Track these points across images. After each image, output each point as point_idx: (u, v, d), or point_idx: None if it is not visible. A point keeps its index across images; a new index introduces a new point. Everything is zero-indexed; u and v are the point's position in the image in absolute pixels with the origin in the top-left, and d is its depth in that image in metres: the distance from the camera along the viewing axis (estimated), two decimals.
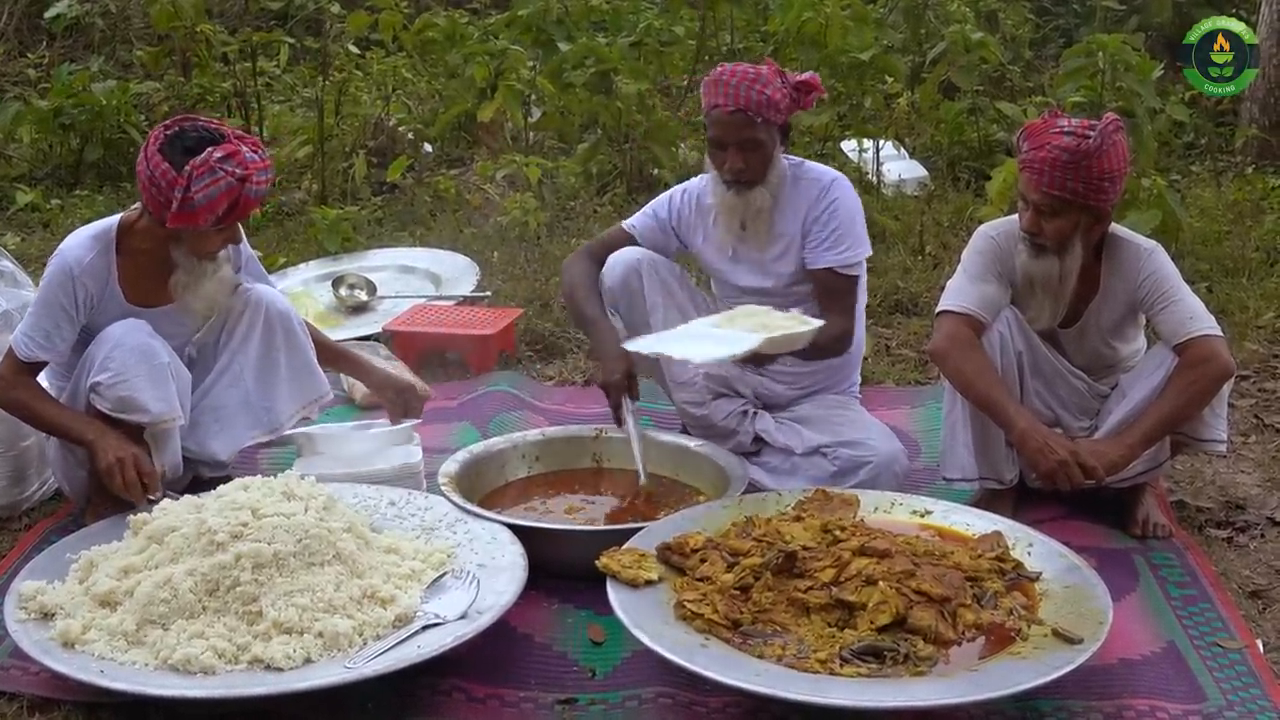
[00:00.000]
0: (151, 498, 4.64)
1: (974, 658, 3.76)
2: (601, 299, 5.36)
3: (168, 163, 4.62)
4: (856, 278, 5.31)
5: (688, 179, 5.60)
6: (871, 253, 5.38)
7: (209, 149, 4.63)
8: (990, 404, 4.80)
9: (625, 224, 5.56)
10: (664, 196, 5.55)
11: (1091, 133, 4.65)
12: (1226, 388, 4.86)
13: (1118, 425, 4.85)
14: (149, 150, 4.69)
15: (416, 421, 5.33)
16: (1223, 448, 4.92)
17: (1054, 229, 4.77)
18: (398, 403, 5.39)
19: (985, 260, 4.98)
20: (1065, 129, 4.70)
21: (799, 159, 5.39)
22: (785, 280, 5.34)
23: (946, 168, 10.00)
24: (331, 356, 5.48)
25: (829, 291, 5.26)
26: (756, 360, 4.91)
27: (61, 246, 4.89)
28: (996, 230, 5.04)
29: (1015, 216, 4.96)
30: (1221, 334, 4.79)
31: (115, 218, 4.97)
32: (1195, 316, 4.77)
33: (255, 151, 4.74)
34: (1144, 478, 4.94)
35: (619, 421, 5.16)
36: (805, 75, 5.24)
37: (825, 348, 5.15)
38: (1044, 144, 4.69)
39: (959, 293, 4.96)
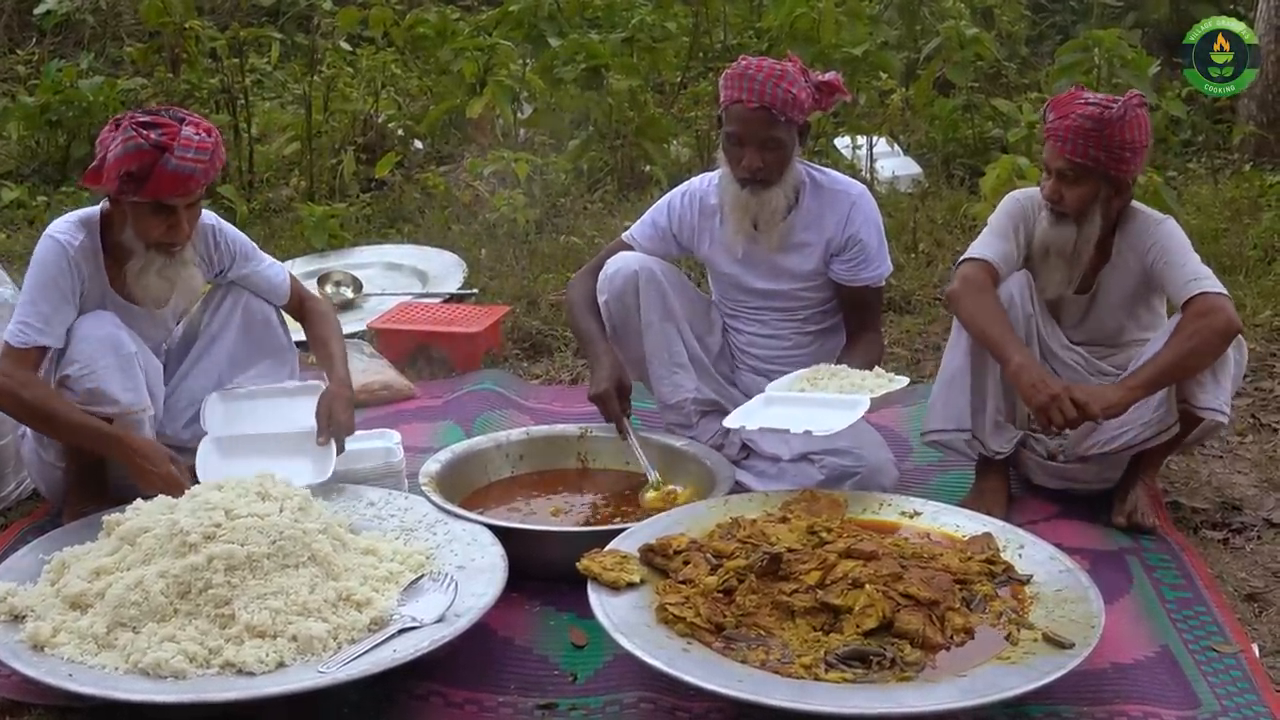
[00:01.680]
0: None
1: (962, 663, 3.69)
2: (599, 315, 5.31)
3: (114, 129, 4.60)
4: (883, 287, 5.34)
5: (679, 176, 5.52)
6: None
7: (132, 114, 4.61)
8: (993, 340, 4.84)
9: (625, 236, 5.48)
10: (662, 203, 5.45)
11: (1115, 104, 4.79)
12: (1234, 362, 4.82)
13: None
14: (109, 124, 4.68)
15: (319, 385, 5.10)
16: (1224, 419, 4.83)
17: (1074, 196, 4.87)
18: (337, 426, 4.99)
19: (1009, 221, 5.07)
20: (1090, 100, 4.85)
21: (817, 166, 5.33)
22: (796, 284, 5.28)
23: (941, 165, 9.95)
24: (322, 357, 5.27)
25: (862, 306, 5.27)
26: None
27: (49, 230, 4.80)
28: (1024, 195, 5.15)
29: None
30: (1228, 295, 4.79)
31: (98, 206, 4.89)
32: (1200, 277, 4.80)
33: (199, 132, 4.63)
34: (1151, 443, 4.88)
35: (621, 433, 5.09)
36: (828, 75, 5.17)
37: (876, 363, 5.17)
38: (1069, 113, 4.82)
39: (980, 245, 5.06)
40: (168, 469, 4.60)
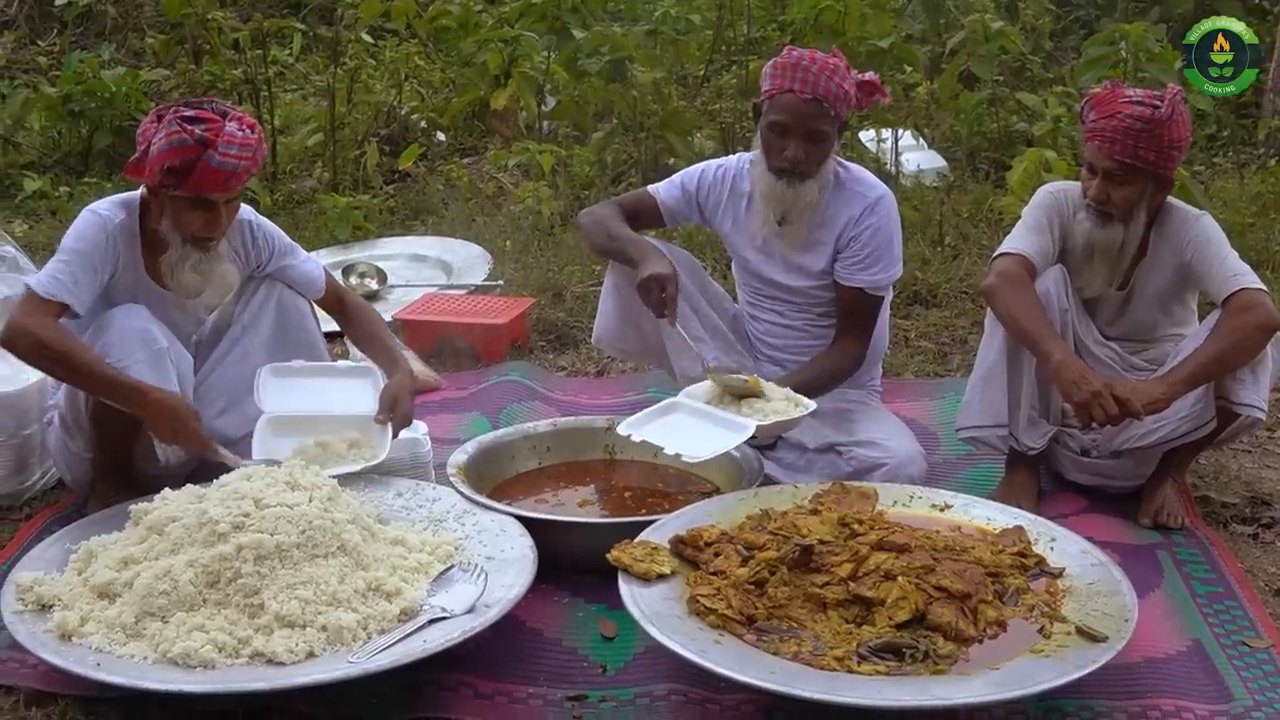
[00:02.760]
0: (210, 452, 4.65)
1: (995, 655, 3.66)
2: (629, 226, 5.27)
3: (156, 122, 4.59)
4: (883, 298, 5.26)
5: None
6: (902, 273, 5.34)
7: (178, 109, 4.58)
8: (1032, 336, 4.80)
9: (650, 189, 5.45)
10: (695, 169, 5.41)
11: (1160, 102, 4.75)
12: (1271, 359, 4.80)
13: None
14: (150, 115, 4.66)
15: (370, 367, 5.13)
16: (1262, 415, 4.80)
17: (1122, 196, 4.83)
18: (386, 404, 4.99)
19: (1044, 215, 5.02)
20: (1134, 98, 4.79)
21: (844, 161, 5.27)
22: (811, 282, 5.24)
23: (966, 158, 9.92)
24: (379, 351, 5.20)
25: (852, 311, 5.20)
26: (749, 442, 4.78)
27: (91, 206, 4.78)
28: (1060, 189, 5.10)
29: (1078, 181, 5.02)
30: (1267, 290, 4.76)
31: (138, 191, 4.86)
32: (1240, 273, 4.78)
33: (242, 128, 4.61)
34: (1188, 438, 4.85)
35: (672, 318, 5.00)
36: (868, 75, 5.13)
37: (837, 375, 5.16)
38: (1114, 112, 4.76)
39: (1016, 239, 5.01)
40: (194, 425, 4.59)
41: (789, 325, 5.37)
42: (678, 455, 4.65)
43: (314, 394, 4.93)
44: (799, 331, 5.36)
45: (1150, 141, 4.71)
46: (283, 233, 5.19)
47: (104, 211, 4.72)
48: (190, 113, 4.57)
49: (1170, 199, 4.99)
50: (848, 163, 5.27)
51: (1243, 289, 4.70)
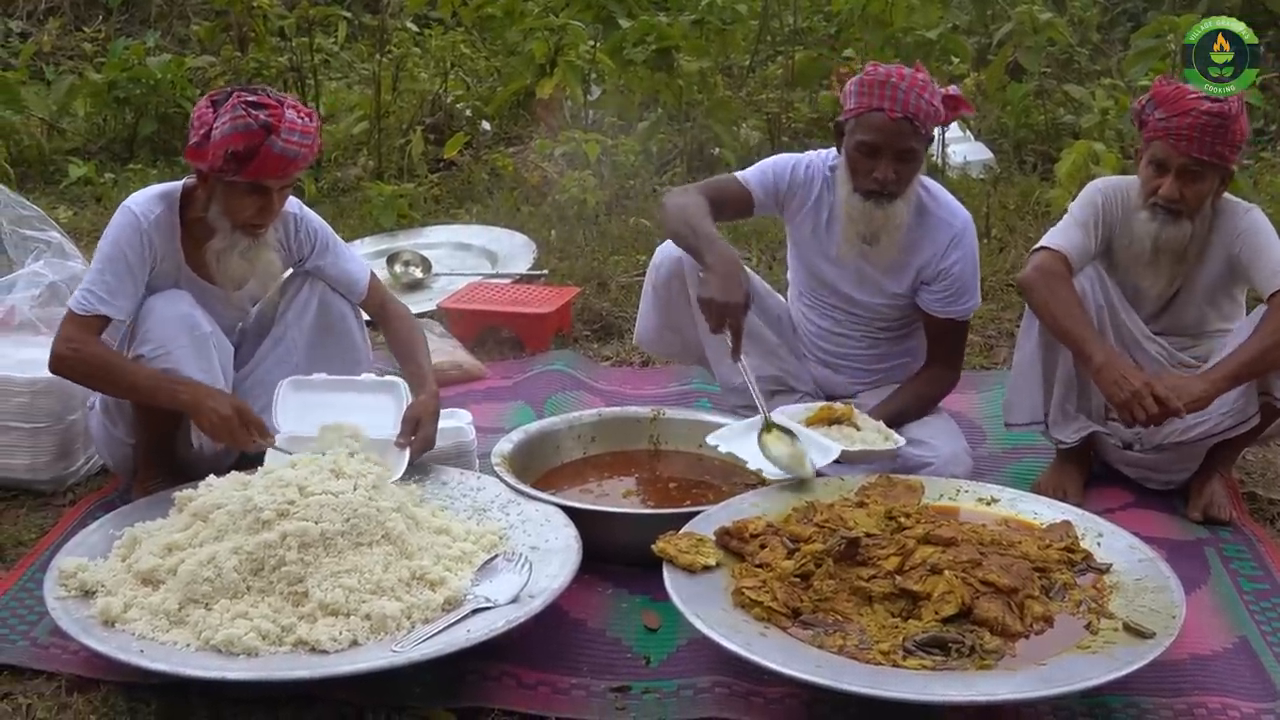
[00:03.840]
0: (264, 442, 4.64)
1: (1042, 651, 3.63)
2: (713, 219, 4.97)
3: (212, 108, 4.58)
4: (969, 322, 5.27)
5: (748, 159, 5.41)
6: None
7: (241, 93, 4.58)
8: (1071, 336, 4.79)
9: (740, 176, 5.22)
10: (784, 163, 5.20)
11: (1226, 98, 4.74)
12: None
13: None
14: (204, 101, 4.66)
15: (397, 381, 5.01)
16: None
17: (1194, 193, 4.81)
18: (419, 440, 4.86)
19: (1090, 213, 4.99)
20: (1201, 95, 4.77)
21: (929, 182, 5.16)
22: (880, 299, 5.19)
23: (1013, 150, 9.89)
24: (406, 361, 5.13)
25: (943, 337, 5.19)
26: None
27: (126, 202, 4.77)
28: (1111, 188, 5.05)
29: (1130, 178, 5.01)
30: None
31: (180, 181, 4.87)
32: None
33: (300, 115, 4.62)
34: (1230, 434, 4.82)
35: (736, 351, 4.70)
36: (953, 89, 5.06)
37: (928, 402, 5.16)
38: (1186, 109, 4.74)
39: (1057, 233, 4.99)
40: (232, 416, 4.56)
41: (846, 334, 5.32)
42: (759, 471, 4.60)
43: (334, 410, 4.81)
44: (855, 341, 5.32)
45: (1225, 137, 4.70)
46: (329, 228, 5.16)
47: (138, 209, 4.71)
48: (252, 98, 4.57)
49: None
50: (930, 182, 5.17)
51: None
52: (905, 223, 4.96)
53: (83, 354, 4.59)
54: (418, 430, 4.74)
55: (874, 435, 4.77)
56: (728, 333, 4.64)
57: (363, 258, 5.42)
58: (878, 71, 4.84)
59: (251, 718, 3.68)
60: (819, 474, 4.58)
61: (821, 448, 4.63)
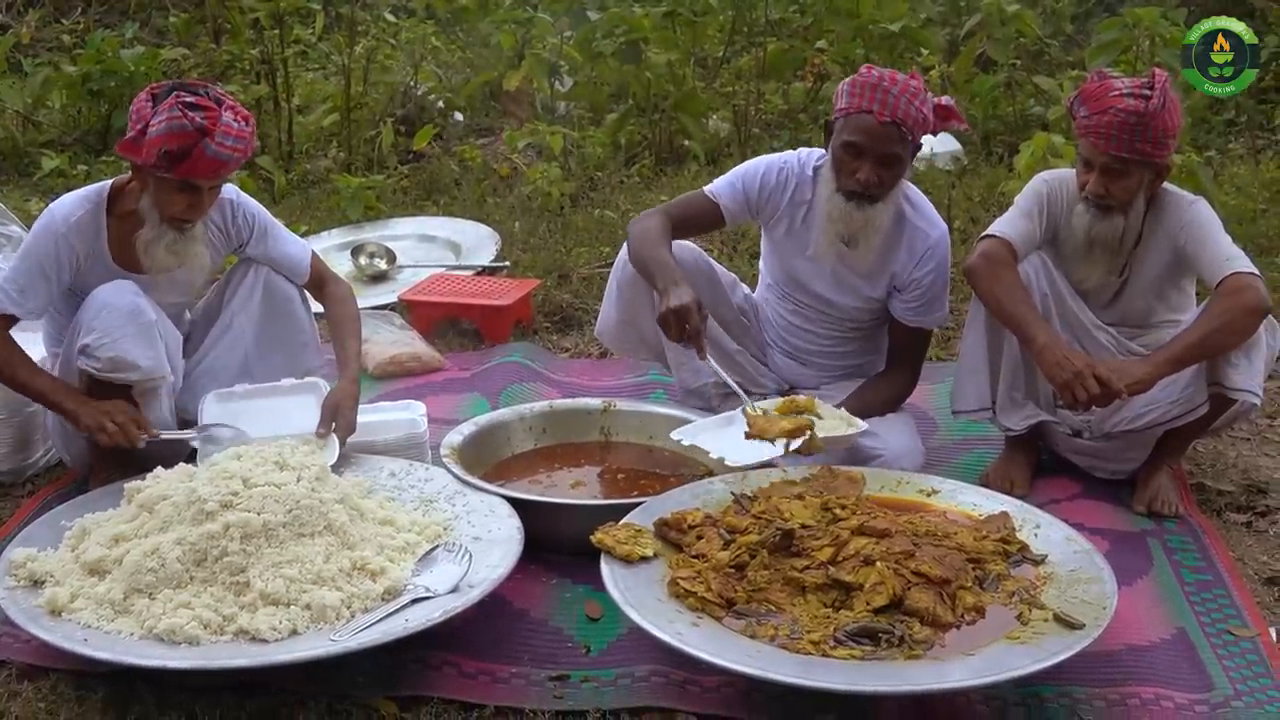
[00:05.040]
0: (152, 438, 4.69)
1: (971, 641, 3.68)
2: (670, 247, 5.05)
3: (151, 103, 4.62)
4: (933, 332, 5.33)
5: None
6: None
7: (180, 93, 4.61)
8: (1014, 319, 4.83)
9: (709, 191, 5.25)
10: (755, 169, 5.23)
11: (1150, 91, 4.71)
12: (1266, 345, 4.77)
13: None
14: (143, 94, 4.70)
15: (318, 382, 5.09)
16: (1257, 400, 4.77)
17: (1120, 189, 4.82)
18: (339, 427, 4.92)
19: (1035, 201, 5.02)
20: (1124, 90, 4.75)
21: (911, 190, 5.19)
22: (858, 303, 5.24)
23: (981, 142, 9.90)
24: (337, 345, 5.21)
25: (906, 347, 5.24)
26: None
27: (52, 205, 4.87)
28: (1055, 179, 5.07)
29: (1074, 171, 5.01)
30: (1260, 275, 4.73)
31: (109, 180, 4.95)
32: (1233, 257, 4.75)
33: (238, 120, 4.67)
34: (1178, 422, 4.86)
35: (701, 354, 4.81)
36: (945, 100, 5.07)
37: (888, 404, 5.18)
38: (1106, 108, 4.73)
39: (1003, 222, 5.03)
40: (119, 421, 4.66)
41: (815, 331, 5.37)
42: (721, 459, 4.63)
43: (260, 417, 4.91)
44: (824, 338, 5.37)
45: (1145, 134, 4.69)
46: (266, 212, 5.23)
47: (60, 213, 4.80)
48: (190, 98, 4.61)
49: (1166, 185, 4.97)
50: (912, 189, 5.20)
51: (1234, 272, 4.68)
52: (884, 227, 5.00)
53: None
54: (336, 418, 4.80)
55: (837, 422, 4.78)
56: (712, 363, 4.82)
57: (304, 241, 5.43)
58: (871, 74, 4.87)
59: (196, 705, 3.71)
60: (770, 464, 4.64)
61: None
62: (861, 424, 4.76)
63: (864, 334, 5.35)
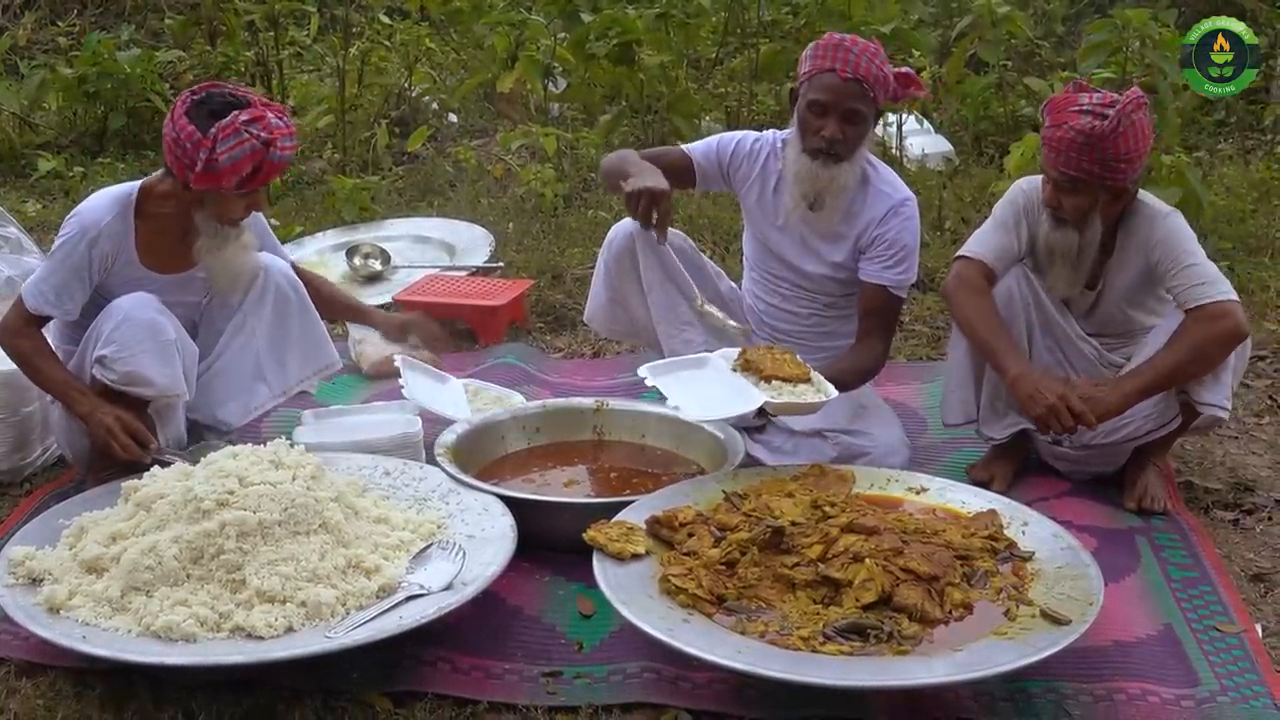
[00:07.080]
0: (156, 456, 4.70)
1: (959, 637, 3.71)
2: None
3: (194, 125, 4.61)
4: (904, 299, 5.30)
5: None
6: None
7: (234, 113, 4.63)
8: (988, 348, 4.86)
9: (685, 147, 5.44)
10: (732, 137, 5.39)
11: (1109, 111, 4.64)
12: (1236, 358, 4.80)
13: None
14: (176, 114, 4.68)
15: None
16: (1223, 414, 4.80)
17: (1072, 205, 4.78)
18: (423, 334, 5.46)
19: (1011, 212, 5.03)
20: (1085, 106, 4.69)
21: (876, 160, 5.27)
22: (826, 270, 5.26)
23: (972, 143, 9.93)
24: (343, 309, 5.60)
25: (875, 311, 5.20)
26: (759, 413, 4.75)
27: (80, 207, 4.88)
28: (1031, 186, 5.05)
29: None
30: (1237, 299, 4.74)
31: (137, 182, 4.95)
32: (1209, 281, 4.72)
33: (280, 118, 4.72)
34: (1152, 436, 4.91)
35: (662, 235, 5.04)
36: (905, 69, 5.14)
37: (862, 374, 5.18)
38: (1061, 123, 4.70)
39: (978, 240, 5.05)
40: (124, 439, 4.72)
41: (794, 311, 5.41)
42: (676, 409, 4.66)
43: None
44: (802, 318, 5.40)
45: (1093, 155, 4.65)
46: (261, 216, 5.29)
47: (89, 217, 4.81)
48: (246, 116, 4.63)
49: (1142, 195, 4.93)
50: (878, 161, 5.27)
51: (1212, 300, 4.68)
52: (849, 187, 5.08)
53: (13, 342, 4.88)
54: (416, 331, 5.42)
55: (805, 387, 4.71)
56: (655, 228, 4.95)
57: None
58: (832, 37, 5.00)
59: (192, 701, 3.74)
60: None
61: (746, 396, 4.62)
62: (832, 390, 4.70)
63: (840, 314, 5.37)
